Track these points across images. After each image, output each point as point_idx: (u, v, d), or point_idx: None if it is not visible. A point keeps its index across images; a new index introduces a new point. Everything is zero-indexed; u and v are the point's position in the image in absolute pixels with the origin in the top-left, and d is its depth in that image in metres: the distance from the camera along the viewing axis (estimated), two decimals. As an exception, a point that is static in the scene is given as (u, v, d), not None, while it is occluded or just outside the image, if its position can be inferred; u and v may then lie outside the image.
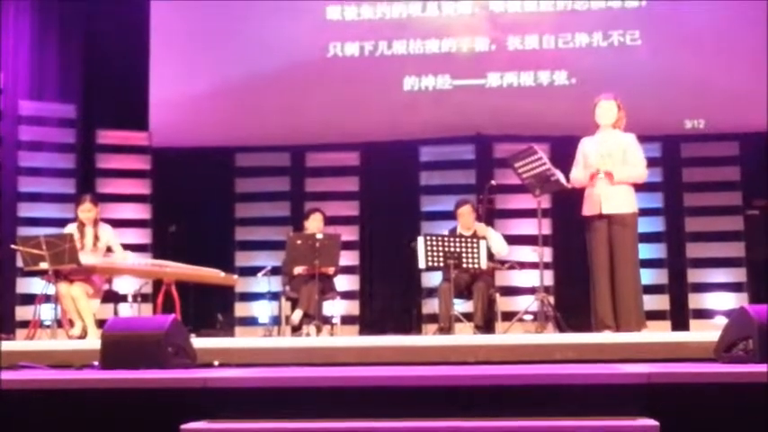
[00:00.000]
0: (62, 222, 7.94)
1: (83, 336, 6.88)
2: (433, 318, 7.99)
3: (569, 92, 9.31)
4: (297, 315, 7.53)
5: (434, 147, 9.49)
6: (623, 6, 9.41)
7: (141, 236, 9.45)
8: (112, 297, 7.68)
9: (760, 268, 8.65)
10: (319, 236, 7.47)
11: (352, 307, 9.23)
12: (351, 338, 7.50)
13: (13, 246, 7.19)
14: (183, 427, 3.21)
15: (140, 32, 9.69)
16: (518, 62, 9.47)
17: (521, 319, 7.46)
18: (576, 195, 6.84)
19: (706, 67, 9.10)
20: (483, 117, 9.36)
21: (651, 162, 6.68)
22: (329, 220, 8.22)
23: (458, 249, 7.06)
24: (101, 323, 6.42)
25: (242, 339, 7.99)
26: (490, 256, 7.42)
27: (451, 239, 7.16)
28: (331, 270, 7.77)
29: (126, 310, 8.00)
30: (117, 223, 8.56)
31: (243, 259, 9.44)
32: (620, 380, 3.34)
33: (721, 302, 8.86)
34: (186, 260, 7.54)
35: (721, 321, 6.43)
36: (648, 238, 8.51)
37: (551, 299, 7.69)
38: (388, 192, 9.63)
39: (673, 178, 9.15)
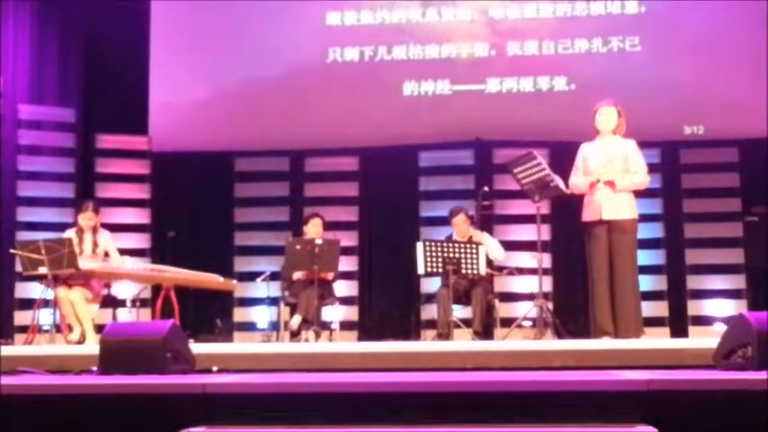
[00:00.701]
0: (61, 227, 7.94)
1: (81, 341, 6.88)
2: (431, 323, 7.99)
3: (568, 98, 9.31)
4: (296, 320, 7.53)
5: (434, 152, 9.49)
6: (623, 12, 9.42)
7: (140, 240, 9.44)
8: (111, 302, 7.67)
9: (759, 275, 8.63)
10: (318, 241, 7.47)
11: (351, 312, 9.22)
12: (349, 344, 7.49)
13: (12, 250, 7.19)
14: (182, 432, 3.21)
15: (140, 37, 9.69)
16: (517, 68, 9.48)
17: (519, 326, 7.45)
18: (576, 201, 6.85)
19: (705, 73, 9.10)
20: (482, 122, 9.36)
21: (650, 168, 6.68)
22: (328, 226, 8.22)
23: (457, 255, 7.06)
24: (99, 328, 6.42)
25: (241, 345, 7.98)
26: (489, 262, 7.42)
27: (450, 245, 7.16)
28: (330, 275, 7.77)
29: (125, 315, 8.00)
30: (116, 228, 8.57)
31: (242, 264, 9.43)
32: (619, 386, 3.34)
33: (720, 309, 8.85)
34: (185, 265, 7.54)
35: (720, 328, 6.42)
36: (647, 244, 8.50)
37: (550, 305, 7.69)
38: (387, 197, 9.63)
39: (672, 184, 9.15)
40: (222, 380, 3.73)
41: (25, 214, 9.19)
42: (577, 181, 6.53)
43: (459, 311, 7.50)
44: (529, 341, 6.53)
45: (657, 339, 6.82)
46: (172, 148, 9.54)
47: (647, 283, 8.18)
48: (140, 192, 9.64)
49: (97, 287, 7.23)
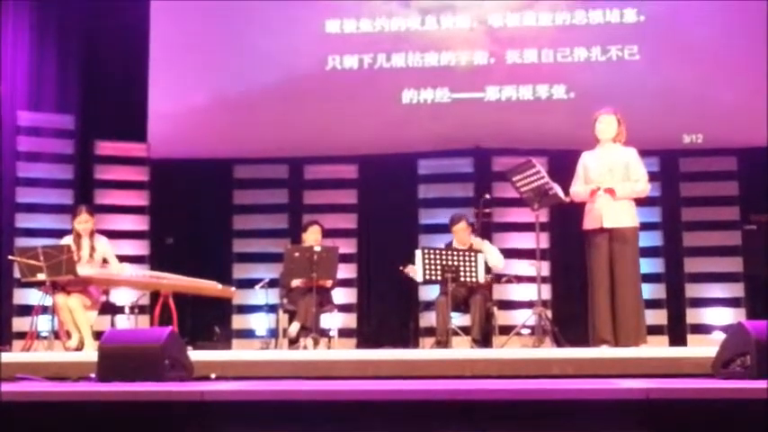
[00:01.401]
0: (60, 233, 7.93)
1: (80, 347, 6.87)
2: (430, 331, 7.98)
3: (568, 106, 9.32)
4: (294, 328, 7.52)
5: (433, 160, 9.49)
6: (622, 21, 9.44)
7: (139, 247, 9.43)
8: (109, 309, 7.67)
9: (758, 283, 8.63)
10: (317, 248, 7.47)
11: (350, 320, 9.22)
12: (348, 351, 7.50)
13: (10, 257, 7.18)
14: (180, 440, 3.20)
15: (139, 44, 9.69)
16: (517, 76, 9.49)
17: (518, 333, 7.45)
18: (575, 209, 6.85)
19: (704, 81, 9.12)
20: (481, 130, 9.37)
21: (649, 177, 6.67)
22: (327, 233, 8.21)
23: (455, 263, 7.06)
24: (98, 335, 6.40)
25: (239, 352, 7.97)
26: (487, 270, 7.42)
27: (449, 253, 7.16)
28: (329, 283, 7.77)
29: (123, 321, 7.99)
30: (115, 234, 8.56)
31: (240, 271, 9.42)
32: (617, 395, 3.34)
33: (719, 318, 8.85)
34: (184, 272, 7.53)
35: (719, 337, 6.41)
36: (646, 252, 8.49)
37: (549, 313, 7.69)
38: (386, 204, 9.63)
39: (671, 193, 9.15)
40: (220, 387, 3.73)
41: (24, 221, 9.19)
42: (578, 189, 6.53)
43: (458, 319, 7.50)
44: (527, 349, 6.52)
45: (656, 348, 6.81)
46: (171, 155, 9.54)
47: (645, 291, 8.14)
48: (139, 198, 9.63)
49: (96, 294, 7.22)
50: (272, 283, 8.39)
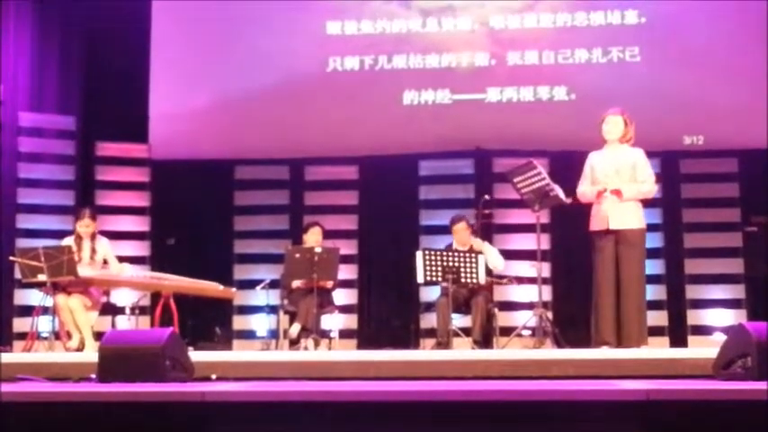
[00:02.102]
0: (61, 234, 7.93)
1: (80, 348, 6.87)
2: (431, 332, 7.98)
3: (568, 107, 9.32)
4: (295, 329, 7.52)
5: (434, 161, 9.49)
6: (623, 23, 9.44)
7: (140, 248, 9.43)
8: (110, 309, 7.67)
9: (759, 285, 8.64)
10: (318, 249, 7.47)
11: (351, 321, 9.22)
12: (349, 352, 7.49)
13: (11, 257, 7.19)
14: (181, 440, 3.20)
15: (141, 45, 9.70)
16: (518, 77, 9.49)
17: (519, 335, 7.45)
18: (575, 210, 6.85)
19: (705, 83, 9.12)
20: (482, 132, 9.37)
21: (650, 178, 6.68)
22: (328, 234, 8.21)
23: (456, 264, 7.06)
24: (98, 336, 6.41)
25: (240, 353, 7.97)
26: (488, 271, 7.42)
27: (450, 254, 7.16)
28: (329, 284, 7.76)
29: (124, 322, 7.99)
30: (116, 235, 8.57)
31: (241, 272, 9.42)
32: (618, 396, 3.34)
33: (720, 319, 8.84)
34: (185, 273, 7.53)
35: (720, 338, 6.42)
36: (647, 254, 8.49)
37: (550, 314, 7.69)
38: (386, 206, 9.63)
39: (672, 194, 9.15)
40: (221, 388, 3.73)
41: (25, 221, 9.19)
42: (585, 190, 6.50)
43: (459, 320, 7.49)
44: (528, 350, 6.52)
45: (657, 349, 6.81)
46: (172, 156, 9.55)
47: (647, 292, 8.17)
48: (140, 199, 9.64)
49: (96, 294, 7.23)
50: (273, 284, 8.38)
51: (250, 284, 8.95)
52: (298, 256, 7.49)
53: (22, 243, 8.39)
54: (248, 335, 9.30)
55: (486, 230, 8.10)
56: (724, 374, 4.10)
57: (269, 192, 9.66)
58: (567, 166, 8.28)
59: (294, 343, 7.55)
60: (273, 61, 9.63)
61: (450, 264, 7.06)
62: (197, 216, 9.54)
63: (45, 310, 7.06)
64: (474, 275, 7.08)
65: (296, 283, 7.73)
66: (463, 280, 7.10)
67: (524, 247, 8.39)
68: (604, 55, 9.41)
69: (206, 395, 3.41)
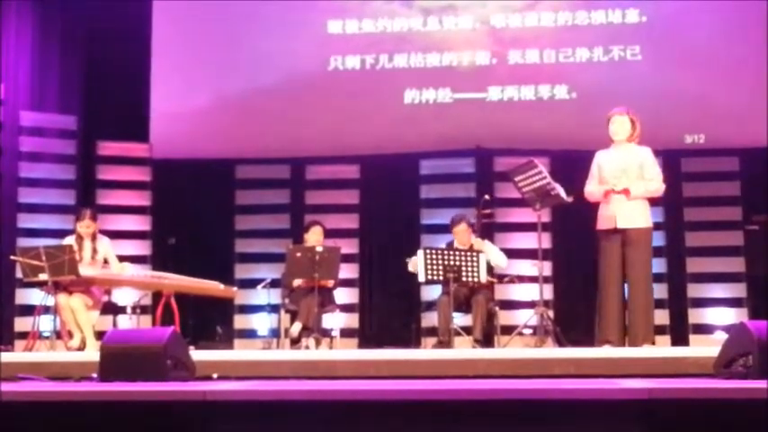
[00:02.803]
0: (62, 233, 7.94)
1: (82, 347, 6.88)
2: (432, 331, 7.98)
3: (570, 106, 9.32)
4: (296, 328, 7.52)
5: (435, 160, 9.49)
6: (624, 22, 9.43)
7: (141, 247, 9.43)
8: (111, 309, 7.67)
9: (760, 283, 8.63)
10: (319, 248, 7.47)
11: (352, 320, 9.22)
12: (350, 351, 7.50)
13: (12, 257, 7.19)
14: (182, 439, 3.20)
15: (142, 44, 9.70)
16: (519, 76, 9.49)
17: (520, 333, 7.45)
18: (576, 209, 6.85)
19: (706, 82, 9.12)
20: (483, 130, 9.37)
21: (651, 177, 6.67)
22: (329, 233, 8.21)
23: (457, 263, 7.06)
24: (100, 335, 6.41)
25: (241, 352, 7.98)
26: (489, 270, 7.42)
27: (451, 253, 7.16)
28: (330, 283, 7.76)
29: (125, 321, 7.99)
30: (117, 235, 8.57)
31: (242, 271, 9.42)
32: (620, 395, 3.34)
33: (721, 318, 8.84)
34: (186, 272, 7.53)
35: (721, 337, 6.40)
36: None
37: (551, 313, 7.68)
38: (387, 205, 9.63)
39: (673, 193, 9.09)
40: (223, 387, 3.73)
41: (26, 221, 9.19)
42: (592, 189, 6.49)
43: (460, 319, 7.49)
44: (529, 349, 6.52)
45: (658, 348, 6.80)
46: (173, 156, 9.55)
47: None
48: (141, 199, 9.64)
49: (98, 294, 7.23)
50: (274, 284, 8.39)
51: (251, 284, 8.95)
52: (299, 255, 7.49)
53: (23, 242, 8.39)
54: (249, 334, 9.31)
55: (488, 229, 8.10)
56: (725, 373, 4.10)
57: (270, 191, 9.66)
58: (568, 165, 8.29)
59: (295, 342, 7.54)
60: (274, 60, 9.62)
61: (452, 262, 7.05)
62: (198, 215, 9.54)
63: (46, 310, 7.06)
64: (475, 274, 7.07)
65: (297, 283, 7.73)
66: (464, 279, 7.09)
67: (525, 245, 8.38)
68: (605, 54, 9.41)
69: (207, 394, 3.41)
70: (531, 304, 7.88)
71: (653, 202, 6.61)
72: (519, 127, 9.30)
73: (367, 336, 9.24)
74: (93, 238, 7.35)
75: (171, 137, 9.59)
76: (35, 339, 7.03)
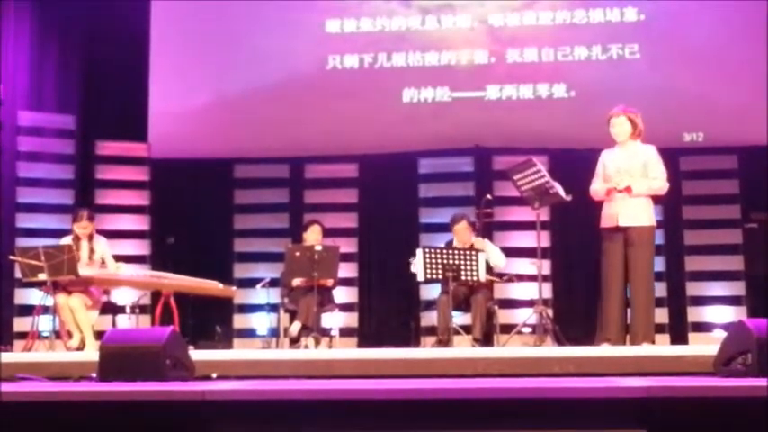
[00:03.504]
0: (61, 233, 7.93)
1: (81, 347, 6.87)
2: (431, 330, 7.98)
3: (568, 105, 9.33)
4: (295, 327, 7.52)
5: (433, 159, 9.50)
6: (622, 20, 9.44)
7: (140, 247, 9.44)
8: (111, 308, 7.68)
9: (759, 282, 8.63)
10: (318, 248, 7.47)
11: (351, 319, 9.22)
12: (349, 351, 7.49)
13: (11, 257, 7.18)
14: (182, 439, 3.20)
15: (140, 44, 9.70)
16: (517, 75, 9.49)
17: (519, 332, 7.45)
18: (575, 208, 6.85)
19: (705, 80, 9.12)
20: (482, 129, 9.37)
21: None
22: (328, 232, 8.21)
23: (456, 262, 7.06)
24: (99, 335, 6.41)
25: (240, 351, 7.97)
26: (488, 269, 7.42)
27: (450, 252, 7.15)
28: (330, 282, 7.77)
29: (124, 321, 7.99)
30: (115, 234, 8.58)
31: (241, 271, 9.42)
32: (618, 393, 3.34)
33: (720, 316, 8.85)
34: (185, 272, 7.53)
35: (720, 335, 6.41)
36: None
37: (550, 311, 7.68)
38: (386, 204, 9.64)
39: (671, 191, 9.07)
40: (222, 386, 3.73)
41: (25, 221, 9.19)
42: (597, 187, 6.48)
43: (459, 318, 7.49)
44: (528, 348, 6.52)
45: (657, 346, 6.80)
46: (171, 155, 9.55)
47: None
48: (140, 198, 9.64)
49: (97, 294, 7.23)
50: (273, 283, 8.39)
51: (250, 283, 8.96)
52: (298, 254, 7.49)
53: (22, 242, 8.38)
54: (249, 333, 9.31)
55: (487, 228, 8.10)
56: (724, 371, 4.09)
57: (269, 190, 9.67)
58: (567, 164, 8.30)
59: (294, 341, 7.55)
60: (273, 59, 9.62)
61: (451, 261, 7.05)
62: (197, 215, 9.54)
63: (45, 310, 7.06)
64: (474, 273, 7.07)
65: (296, 282, 7.73)
66: (463, 277, 7.10)
67: (524, 244, 8.39)
68: (604, 52, 9.41)
69: (206, 394, 3.41)
70: (530, 303, 7.88)
71: (655, 200, 6.60)
72: (517, 126, 9.30)
73: (366, 335, 9.25)
74: (90, 238, 7.35)
75: (169, 136, 9.59)
76: (34, 339, 7.03)
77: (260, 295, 8.81)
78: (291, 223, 9.45)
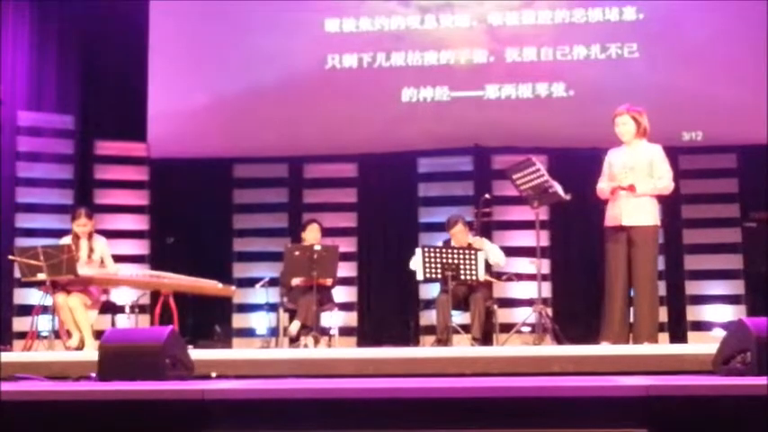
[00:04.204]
0: (60, 233, 7.93)
1: (80, 347, 6.87)
2: (430, 329, 7.99)
3: (567, 104, 9.33)
4: (295, 326, 7.52)
5: (432, 158, 9.50)
6: (621, 19, 9.44)
7: (139, 247, 9.44)
8: (110, 308, 7.67)
9: (758, 280, 8.63)
10: (317, 247, 7.47)
11: (350, 318, 9.22)
12: (348, 350, 7.50)
13: (10, 257, 7.18)
14: (181, 438, 3.20)
15: (139, 44, 9.69)
16: (516, 74, 9.49)
17: (519, 331, 7.45)
18: (574, 207, 6.85)
19: (704, 79, 9.12)
20: (481, 129, 9.37)
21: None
22: (327, 232, 8.22)
23: (456, 261, 7.06)
24: (98, 334, 6.41)
25: (240, 351, 7.97)
26: (488, 268, 7.42)
27: (449, 251, 7.15)
28: (329, 281, 7.77)
29: (123, 321, 7.98)
30: (115, 234, 8.58)
31: (241, 270, 9.43)
32: (618, 392, 3.34)
33: (719, 315, 8.85)
34: (184, 271, 7.53)
35: (719, 334, 6.42)
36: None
37: (549, 310, 7.69)
38: (386, 203, 9.64)
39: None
40: (221, 386, 3.73)
41: (24, 221, 9.20)
42: (602, 186, 6.47)
43: (459, 317, 7.50)
44: (528, 347, 6.53)
45: (657, 345, 6.80)
46: (170, 155, 9.55)
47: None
48: (139, 198, 9.64)
49: (96, 293, 7.23)
50: (273, 282, 8.39)
51: (249, 282, 8.96)
52: (297, 253, 7.49)
53: (21, 242, 8.40)
54: (248, 333, 9.31)
55: (486, 228, 8.10)
56: (724, 370, 4.09)
57: (268, 190, 9.67)
58: (566, 163, 8.31)
59: (294, 341, 7.55)
60: (272, 59, 9.62)
61: (450, 261, 7.06)
62: (196, 214, 9.53)
63: (45, 309, 7.06)
64: (473, 272, 7.07)
65: (295, 281, 7.73)
66: (462, 277, 7.10)
67: (524, 243, 8.40)
68: (603, 51, 9.41)
69: (206, 393, 3.41)
70: (529, 302, 7.88)
71: (660, 200, 6.58)
72: (517, 125, 9.30)
73: (365, 334, 9.25)
74: (90, 237, 7.35)
75: (169, 136, 9.58)
76: (33, 339, 7.02)
77: (259, 295, 8.81)
78: (290, 223, 9.46)
